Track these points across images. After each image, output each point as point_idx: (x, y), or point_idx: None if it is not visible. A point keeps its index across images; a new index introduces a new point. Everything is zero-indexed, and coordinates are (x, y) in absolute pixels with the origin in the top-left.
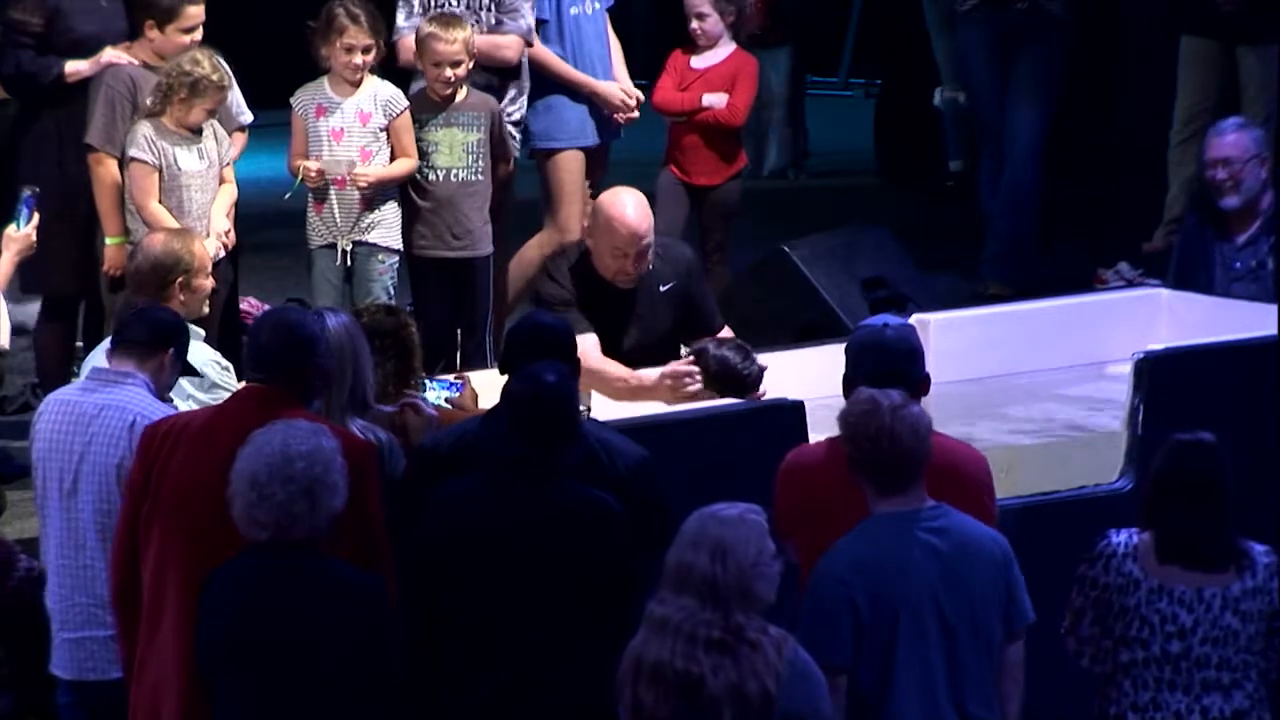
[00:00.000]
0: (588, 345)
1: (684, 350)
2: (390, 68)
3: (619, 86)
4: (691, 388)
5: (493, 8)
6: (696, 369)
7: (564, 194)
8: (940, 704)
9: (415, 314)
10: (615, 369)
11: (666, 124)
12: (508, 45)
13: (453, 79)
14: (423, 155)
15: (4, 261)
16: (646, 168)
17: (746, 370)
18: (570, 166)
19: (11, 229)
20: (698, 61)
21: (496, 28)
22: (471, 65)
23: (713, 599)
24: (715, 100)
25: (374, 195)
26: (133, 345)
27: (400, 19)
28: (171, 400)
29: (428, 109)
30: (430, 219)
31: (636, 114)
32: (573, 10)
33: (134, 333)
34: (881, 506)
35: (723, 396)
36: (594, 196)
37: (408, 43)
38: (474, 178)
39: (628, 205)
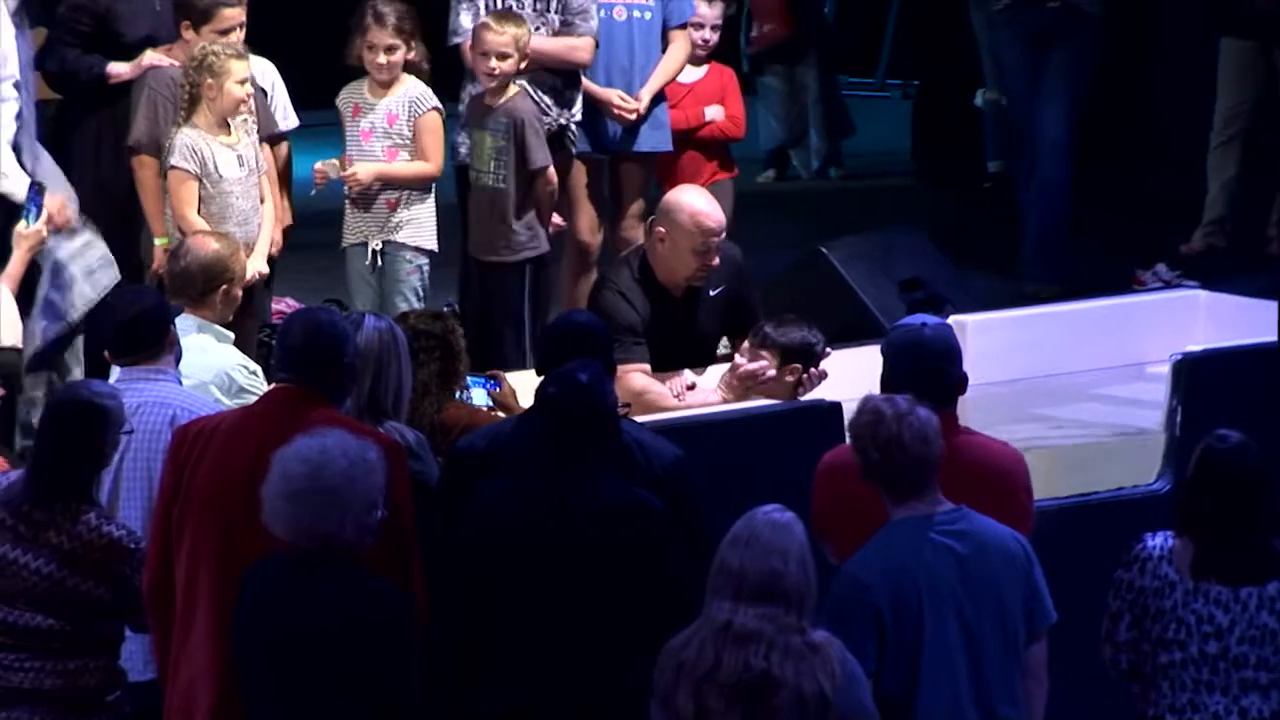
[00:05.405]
0: (639, 375)
1: (725, 351)
2: (452, 70)
3: (617, 93)
4: (769, 374)
5: (559, 10)
6: (764, 363)
7: (566, 201)
8: (965, 705)
9: (461, 311)
10: (670, 399)
11: None
12: (582, 47)
13: (496, 71)
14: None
15: (16, 259)
16: None
17: (816, 340)
18: (568, 173)
19: (21, 225)
20: (681, 76)
21: (565, 30)
22: (521, 66)
23: (799, 606)
24: (716, 113)
25: (401, 194)
26: (150, 345)
27: (465, 21)
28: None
29: (477, 110)
30: (469, 220)
31: (632, 117)
32: None
33: (147, 335)
34: (899, 512)
35: (790, 373)
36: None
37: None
38: (494, 184)
39: (704, 200)
